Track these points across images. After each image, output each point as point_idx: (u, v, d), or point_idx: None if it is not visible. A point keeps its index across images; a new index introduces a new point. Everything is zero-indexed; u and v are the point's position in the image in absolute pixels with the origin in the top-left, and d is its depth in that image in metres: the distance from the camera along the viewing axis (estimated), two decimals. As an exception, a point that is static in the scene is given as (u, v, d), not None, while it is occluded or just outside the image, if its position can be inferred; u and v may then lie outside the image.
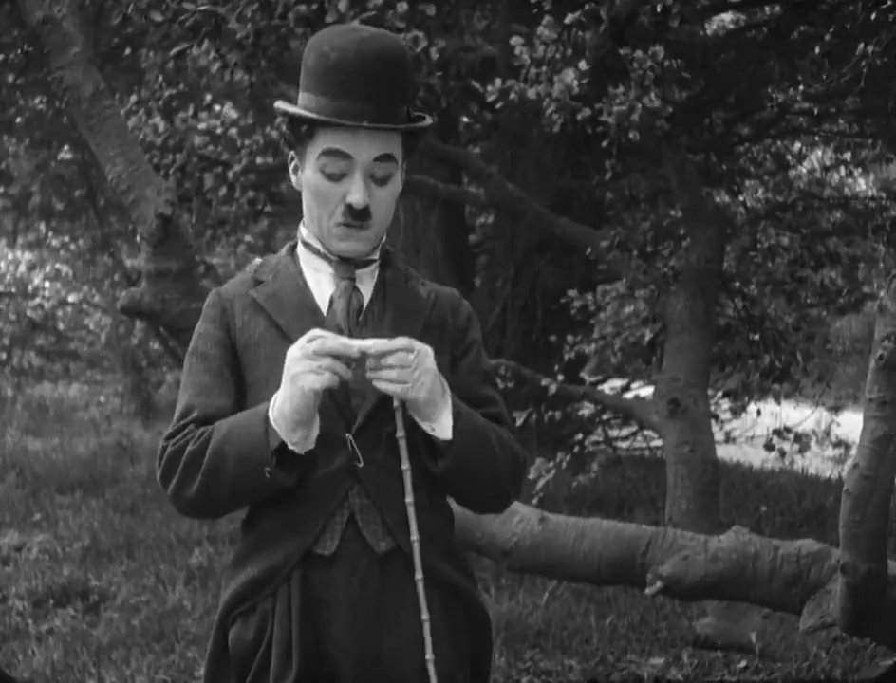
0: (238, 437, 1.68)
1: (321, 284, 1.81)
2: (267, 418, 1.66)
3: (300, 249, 1.86)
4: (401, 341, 1.66)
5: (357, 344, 1.65)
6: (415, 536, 1.72)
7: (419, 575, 1.72)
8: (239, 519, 1.85)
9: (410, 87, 1.79)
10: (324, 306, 1.79)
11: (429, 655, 1.71)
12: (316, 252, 1.82)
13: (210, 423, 1.73)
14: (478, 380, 1.85)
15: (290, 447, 1.66)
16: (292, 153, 1.82)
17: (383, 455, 1.73)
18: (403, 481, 1.72)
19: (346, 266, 1.81)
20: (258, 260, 1.94)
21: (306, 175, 1.78)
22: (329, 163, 1.74)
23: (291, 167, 1.83)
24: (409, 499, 1.72)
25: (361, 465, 1.72)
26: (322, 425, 1.68)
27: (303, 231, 1.86)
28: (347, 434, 1.72)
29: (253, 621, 1.75)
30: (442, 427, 1.71)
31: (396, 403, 1.71)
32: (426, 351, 1.68)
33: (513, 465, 1.81)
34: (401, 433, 1.72)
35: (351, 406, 1.73)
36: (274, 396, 1.68)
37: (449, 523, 1.85)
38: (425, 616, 1.71)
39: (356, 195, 1.73)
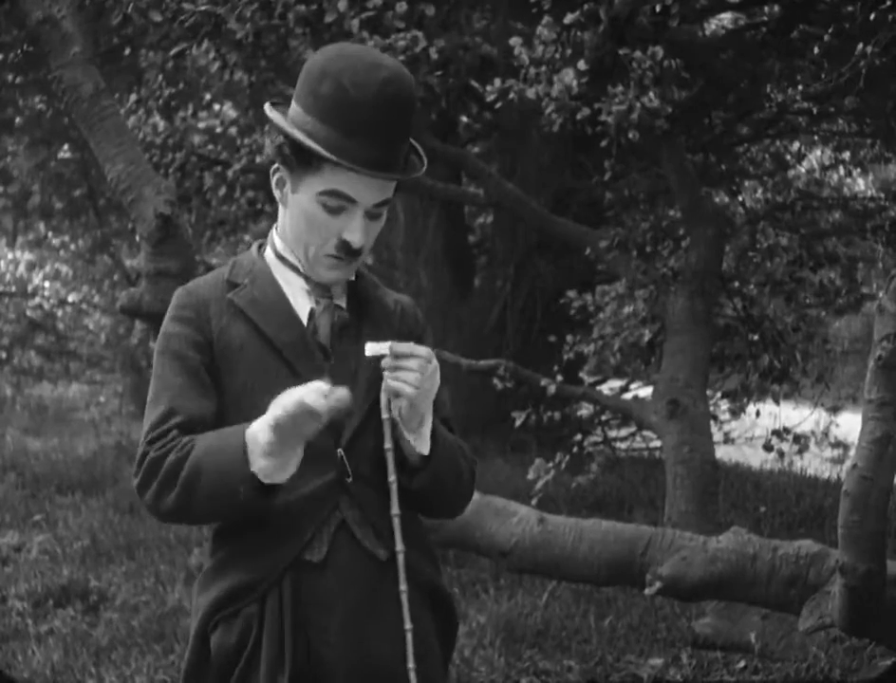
0: (217, 455, 1.65)
1: (296, 296, 1.80)
2: (245, 444, 1.62)
3: (271, 257, 1.83)
4: (425, 351, 1.69)
5: (371, 350, 1.66)
6: (400, 547, 1.74)
7: (402, 586, 1.73)
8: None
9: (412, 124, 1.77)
10: (303, 319, 1.78)
11: (410, 664, 1.72)
12: (292, 268, 1.80)
13: (194, 427, 1.70)
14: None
15: (262, 478, 1.60)
16: (279, 167, 1.77)
17: (370, 470, 1.75)
18: (390, 493, 1.73)
19: (323, 286, 1.80)
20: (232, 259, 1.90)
21: (300, 199, 1.74)
22: (331, 200, 1.71)
23: (275, 179, 1.78)
24: (395, 511, 1.73)
25: (350, 479, 1.74)
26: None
27: (278, 244, 1.82)
28: (339, 450, 1.73)
29: (236, 627, 1.73)
30: (423, 440, 1.74)
31: (385, 415, 1.73)
32: (438, 367, 1.71)
33: (471, 476, 1.86)
34: (389, 444, 1.73)
35: (339, 421, 1.71)
36: (255, 423, 1.62)
37: (425, 527, 1.89)
38: (408, 626, 1.73)
39: (356, 235, 1.72)
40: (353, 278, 1.85)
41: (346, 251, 1.74)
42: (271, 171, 1.79)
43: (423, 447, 1.74)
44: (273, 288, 1.79)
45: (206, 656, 1.77)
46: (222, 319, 1.77)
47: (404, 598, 1.74)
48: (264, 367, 1.73)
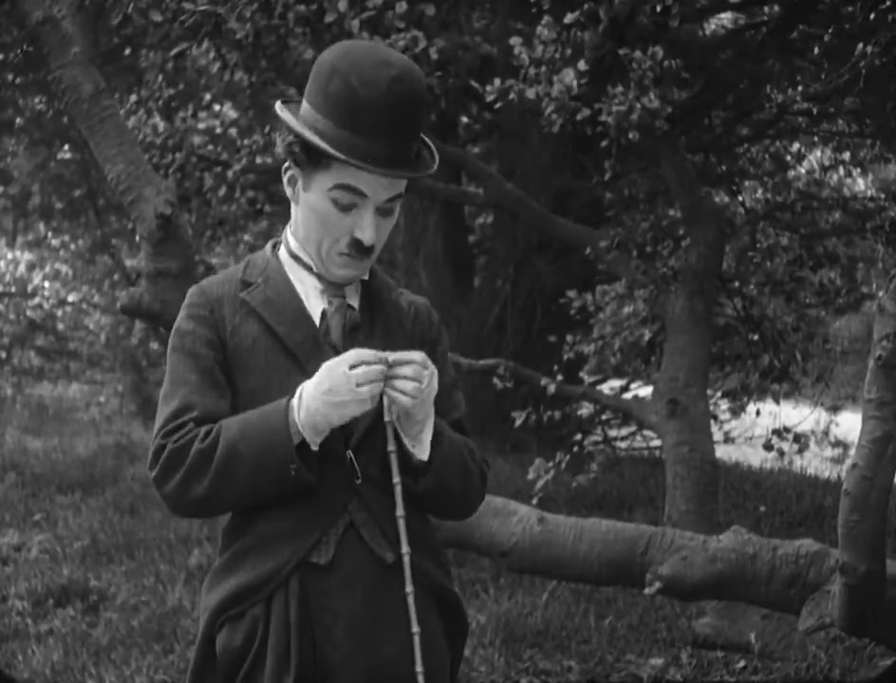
0: (257, 436, 1.67)
1: (308, 296, 1.80)
2: (288, 419, 1.66)
3: (285, 256, 1.83)
4: (419, 356, 1.68)
5: (381, 356, 1.66)
6: (405, 549, 1.74)
7: (409, 588, 1.74)
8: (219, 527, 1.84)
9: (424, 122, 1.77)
10: (316, 319, 1.79)
11: (419, 668, 1.73)
12: (305, 267, 1.81)
13: (210, 422, 1.71)
14: (446, 389, 1.84)
15: (314, 448, 1.68)
16: (290, 165, 1.77)
17: (378, 471, 1.75)
18: (394, 495, 1.73)
19: (337, 285, 1.81)
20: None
21: (311, 198, 1.75)
22: (342, 195, 1.72)
23: (286, 177, 1.78)
24: (400, 512, 1.74)
25: (359, 481, 1.74)
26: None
27: (292, 243, 1.83)
28: (348, 452, 1.73)
29: (242, 628, 1.74)
30: (422, 446, 1.74)
31: (388, 417, 1.73)
32: (435, 371, 1.71)
33: (481, 478, 1.86)
34: (391, 446, 1.74)
35: (349, 423, 1.72)
36: (294, 400, 1.67)
37: (433, 529, 1.88)
38: (416, 629, 1.73)
39: (367, 233, 1.73)
40: (367, 278, 1.85)
41: (358, 249, 1.74)
42: (283, 169, 1.79)
43: (423, 453, 1.74)
44: (286, 288, 1.80)
45: (212, 657, 1.77)
46: (235, 318, 1.78)
47: (411, 600, 1.74)
48: (276, 367, 1.74)
